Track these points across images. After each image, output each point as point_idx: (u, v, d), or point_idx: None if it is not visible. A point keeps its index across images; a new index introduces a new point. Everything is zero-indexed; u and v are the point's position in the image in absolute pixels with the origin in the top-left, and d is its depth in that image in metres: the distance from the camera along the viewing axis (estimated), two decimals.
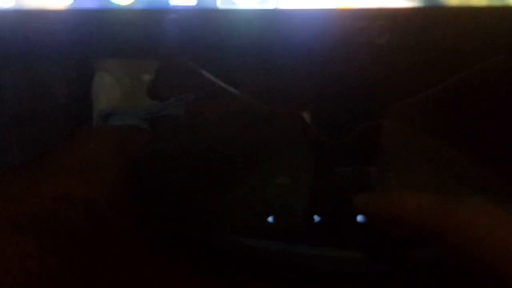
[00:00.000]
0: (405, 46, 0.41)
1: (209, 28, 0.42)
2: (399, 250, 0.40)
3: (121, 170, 0.45)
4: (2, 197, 0.38)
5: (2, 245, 0.33)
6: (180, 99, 0.55)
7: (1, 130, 0.56)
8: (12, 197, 0.38)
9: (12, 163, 0.56)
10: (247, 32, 0.42)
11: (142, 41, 0.43)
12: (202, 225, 0.42)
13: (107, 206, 0.40)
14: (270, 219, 0.42)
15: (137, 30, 0.42)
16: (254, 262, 0.41)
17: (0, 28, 0.42)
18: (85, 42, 0.45)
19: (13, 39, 0.42)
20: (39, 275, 0.33)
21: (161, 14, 0.41)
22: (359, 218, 0.42)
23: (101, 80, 0.58)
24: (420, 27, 0.41)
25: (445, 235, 0.29)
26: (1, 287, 0.31)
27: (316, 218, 0.42)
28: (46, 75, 0.56)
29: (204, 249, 0.41)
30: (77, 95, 0.58)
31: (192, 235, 0.42)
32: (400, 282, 0.39)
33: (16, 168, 0.49)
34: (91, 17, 0.42)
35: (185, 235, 0.41)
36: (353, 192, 0.38)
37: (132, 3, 0.43)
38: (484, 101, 0.43)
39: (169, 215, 0.41)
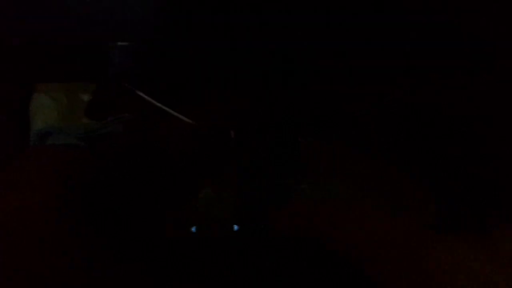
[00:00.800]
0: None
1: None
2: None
3: (58, 189, 0.46)
4: None
5: None
6: (117, 119, 0.57)
7: None
8: None
9: None
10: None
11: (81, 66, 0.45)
12: (137, 236, 0.44)
13: (46, 226, 0.41)
14: (193, 229, 0.44)
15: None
16: (180, 270, 0.43)
17: None
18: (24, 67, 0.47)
19: None
20: None
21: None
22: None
23: (38, 101, 0.58)
24: None
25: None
26: None
27: (236, 227, 0.45)
28: None
29: (140, 259, 0.43)
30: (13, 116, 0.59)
31: (127, 247, 0.43)
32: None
33: None
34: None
35: (121, 248, 0.42)
36: (269, 203, 0.42)
37: None
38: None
39: (106, 228, 0.43)
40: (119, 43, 0.51)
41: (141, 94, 0.51)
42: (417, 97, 0.50)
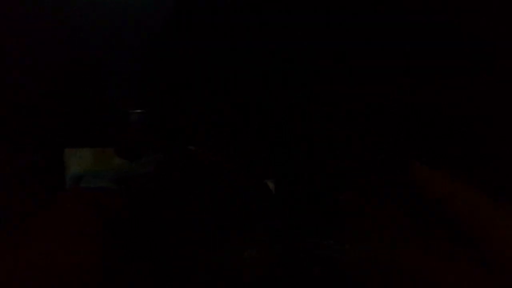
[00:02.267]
0: None
1: None
2: None
3: (95, 232, 0.47)
4: None
5: None
6: (149, 159, 0.58)
7: None
8: None
9: None
10: None
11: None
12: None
13: (86, 270, 0.42)
14: None
15: None
16: None
17: None
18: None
19: None
20: None
21: None
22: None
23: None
24: None
25: None
26: None
27: None
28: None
29: None
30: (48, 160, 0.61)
31: None
32: None
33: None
34: None
35: None
36: (314, 264, 0.42)
37: None
38: None
39: (143, 276, 0.44)
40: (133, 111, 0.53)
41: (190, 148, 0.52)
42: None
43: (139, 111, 0.52)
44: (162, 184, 0.53)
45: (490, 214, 0.36)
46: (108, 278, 0.43)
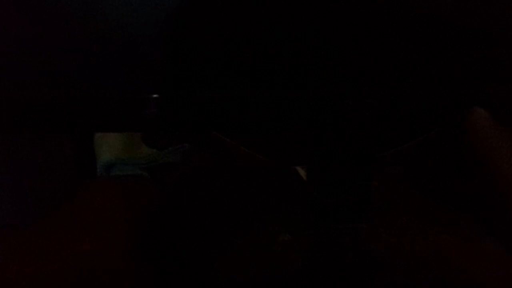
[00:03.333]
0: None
1: None
2: None
3: (128, 221, 0.49)
4: (22, 257, 0.42)
5: None
6: (177, 148, 0.60)
7: (16, 186, 0.60)
8: (31, 257, 0.41)
9: (27, 218, 0.59)
10: None
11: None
12: (205, 279, 0.45)
13: (119, 258, 0.43)
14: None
15: None
16: None
17: None
18: None
19: None
20: None
21: None
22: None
23: (101, 133, 0.62)
24: None
25: None
26: None
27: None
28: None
29: None
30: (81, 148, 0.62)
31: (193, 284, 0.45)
32: None
33: (32, 226, 0.52)
34: None
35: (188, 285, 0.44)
36: (347, 248, 0.43)
37: None
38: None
39: (174, 268, 0.45)
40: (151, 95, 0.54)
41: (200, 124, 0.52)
42: None
43: (155, 95, 0.52)
44: (194, 173, 0.54)
45: None
46: (138, 266, 0.44)
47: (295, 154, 0.49)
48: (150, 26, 0.49)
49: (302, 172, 0.49)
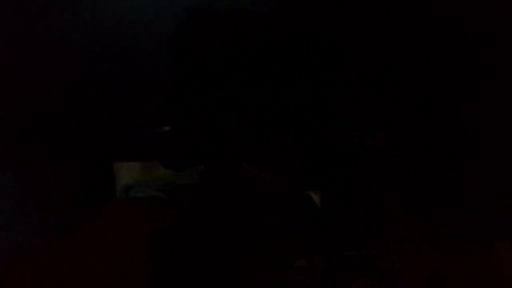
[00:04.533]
0: None
1: None
2: None
3: (146, 242, 0.50)
4: (45, 279, 0.43)
5: None
6: (193, 170, 0.61)
7: (27, 210, 0.62)
8: (44, 281, 0.43)
9: (43, 241, 0.61)
10: None
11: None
12: None
13: (137, 280, 0.45)
14: None
15: None
16: None
17: None
18: None
19: None
20: None
21: None
22: None
23: None
24: None
25: None
26: None
27: None
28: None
29: None
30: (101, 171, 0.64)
31: None
32: None
33: (50, 247, 0.53)
34: None
35: None
36: (361, 274, 0.43)
37: None
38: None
39: (191, 283, 0.46)
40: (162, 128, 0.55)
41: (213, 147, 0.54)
42: None
43: (167, 128, 0.54)
44: (210, 196, 0.55)
45: None
46: (156, 286, 0.45)
47: (309, 179, 0.50)
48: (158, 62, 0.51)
49: (316, 198, 0.49)
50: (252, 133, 0.52)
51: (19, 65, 0.53)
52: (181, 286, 0.46)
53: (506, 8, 0.48)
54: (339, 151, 0.47)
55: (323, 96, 0.49)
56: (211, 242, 0.48)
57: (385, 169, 0.46)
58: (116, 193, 0.62)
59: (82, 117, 0.56)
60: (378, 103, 0.51)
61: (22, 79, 0.54)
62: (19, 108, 0.55)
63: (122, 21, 0.54)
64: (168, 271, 0.47)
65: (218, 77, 0.52)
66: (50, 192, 0.62)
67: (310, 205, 0.49)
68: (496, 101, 0.50)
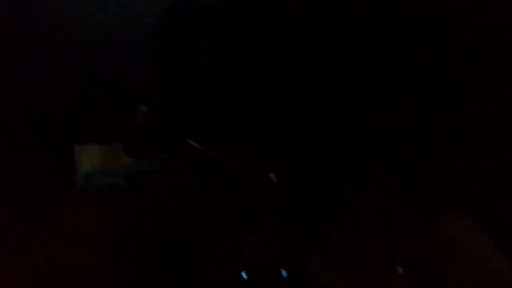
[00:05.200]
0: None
1: None
2: None
3: (106, 228, 0.49)
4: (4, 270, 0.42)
5: None
6: (155, 158, 0.60)
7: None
8: (11, 271, 0.42)
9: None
10: None
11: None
12: (180, 280, 0.46)
13: (98, 266, 0.44)
14: (244, 275, 0.46)
15: None
16: None
17: None
18: None
19: None
20: None
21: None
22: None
23: (82, 145, 0.62)
24: None
25: None
26: None
27: (284, 273, 0.46)
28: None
29: None
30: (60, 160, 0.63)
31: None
32: None
33: (13, 239, 0.51)
34: None
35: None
36: (314, 248, 0.43)
37: None
38: None
39: (152, 270, 0.45)
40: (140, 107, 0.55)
41: (179, 136, 0.53)
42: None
43: (144, 107, 0.53)
44: (170, 181, 0.55)
45: None
46: (116, 274, 0.44)
47: (269, 161, 0.50)
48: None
49: (274, 178, 0.49)
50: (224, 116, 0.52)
51: None
52: (144, 272, 0.45)
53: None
54: (297, 133, 0.47)
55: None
56: (170, 225, 0.47)
57: (342, 147, 0.47)
58: (76, 181, 0.61)
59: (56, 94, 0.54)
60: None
61: None
62: None
63: None
64: (131, 258, 0.46)
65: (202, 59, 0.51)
66: (9, 181, 0.61)
67: (268, 184, 0.49)
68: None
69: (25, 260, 0.44)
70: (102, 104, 0.60)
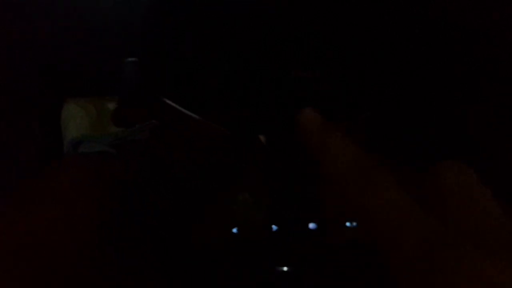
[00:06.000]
0: None
1: None
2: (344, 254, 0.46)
3: (94, 196, 0.49)
4: None
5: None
6: (144, 125, 0.59)
7: None
8: None
9: None
10: None
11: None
12: (175, 243, 0.46)
13: (86, 234, 0.43)
14: (234, 230, 0.47)
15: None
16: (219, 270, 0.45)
17: None
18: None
19: None
20: None
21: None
22: (311, 225, 0.47)
23: (69, 111, 0.61)
24: None
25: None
26: None
27: (274, 227, 0.47)
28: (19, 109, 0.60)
29: (178, 265, 0.45)
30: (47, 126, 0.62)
31: (167, 253, 0.46)
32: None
33: None
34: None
35: (161, 254, 0.45)
36: (303, 204, 0.44)
37: None
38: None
39: (142, 238, 0.45)
40: (127, 59, 0.54)
41: (167, 101, 0.53)
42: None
43: (133, 59, 0.53)
44: (158, 148, 0.55)
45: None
46: (105, 242, 0.44)
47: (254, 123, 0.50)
48: None
49: (262, 138, 0.50)
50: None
51: None
52: (131, 241, 0.45)
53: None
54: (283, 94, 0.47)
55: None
56: (160, 188, 0.47)
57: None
58: (64, 149, 0.60)
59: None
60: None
61: None
62: None
63: None
64: (118, 227, 0.46)
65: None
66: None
67: (257, 144, 0.49)
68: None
69: (7, 229, 0.43)
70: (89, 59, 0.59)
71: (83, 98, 0.62)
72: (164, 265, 0.44)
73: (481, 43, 0.49)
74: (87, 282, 0.41)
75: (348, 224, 0.45)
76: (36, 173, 0.55)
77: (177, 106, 0.53)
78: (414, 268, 0.30)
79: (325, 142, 0.37)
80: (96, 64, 0.60)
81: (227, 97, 0.50)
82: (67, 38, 0.58)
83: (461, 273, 0.29)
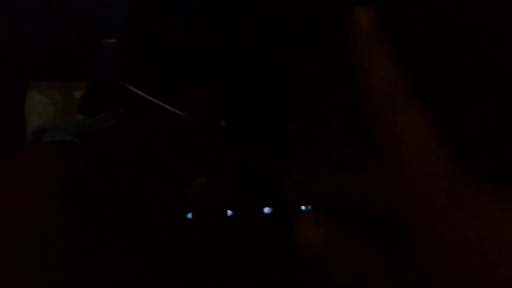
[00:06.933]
0: None
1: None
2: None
3: (55, 184, 0.48)
4: None
5: None
6: (110, 114, 0.59)
7: None
8: None
9: None
10: None
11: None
12: (136, 228, 0.46)
13: (46, 222, 0.43)
14: (189, 215, 0.46)
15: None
16: (177, 255, 0.45)
17: None
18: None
19: None
20: None
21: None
22: (266, 210, 0.47)
23: (32, 99, 0.60)
24: None
25: None
26: None
27: (229, 212, 0.47)
28: None
29: (138, 248, 0.45)
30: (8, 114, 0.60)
31: (128, 237, 0.45)
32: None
33: None
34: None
35: (121, 240, 0.44)
36: (261, 188, 0.44)
37: None
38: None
39: (103, 221, 0.45)
40: (106, 41, 0.53)
41: (132, 89, 0.52)
42: None
43: (112, 41, 0.52)
44: (124, 137, 0.54)
45: None
46: (68, 232, 0.44)
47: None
48: None
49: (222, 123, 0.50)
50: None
51: None
52: (95, 230, 0.44)
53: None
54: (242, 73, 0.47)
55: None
56: (124, 178, 0.47)
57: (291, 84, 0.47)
58: (27, 138, 0.59)
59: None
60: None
61: None
62: None
63: None
64: (82, 216, 0.45)
65: None
66: None
67: (216, 128, 0.49)
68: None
69: None
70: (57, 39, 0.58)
71: (49, 84, 0.61)
72: (123, 251, 0.44)
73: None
74: (45, 267, 0.40)
75: (303, 207, 0.45)
76: None
77: (142, 93, 0.52)
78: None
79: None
80: (64, 46, 0.58)
81: (196, 78, 0.50)
82: (33, 17, 0.57)
83: None
